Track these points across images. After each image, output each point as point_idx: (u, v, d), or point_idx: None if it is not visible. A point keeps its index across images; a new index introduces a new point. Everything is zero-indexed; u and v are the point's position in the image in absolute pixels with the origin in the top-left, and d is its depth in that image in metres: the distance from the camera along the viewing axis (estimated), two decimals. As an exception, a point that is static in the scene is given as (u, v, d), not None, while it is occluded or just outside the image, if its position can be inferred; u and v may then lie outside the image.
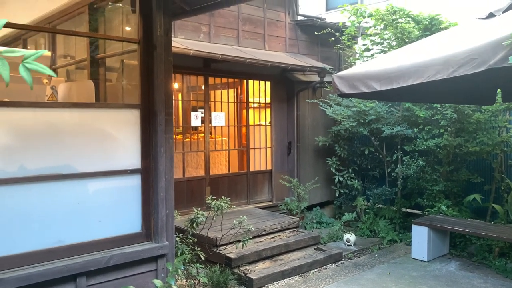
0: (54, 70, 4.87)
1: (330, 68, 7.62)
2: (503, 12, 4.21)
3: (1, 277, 2.76)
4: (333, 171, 7.86)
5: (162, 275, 3.28)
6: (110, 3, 4.13)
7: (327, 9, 11.32)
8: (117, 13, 4.25)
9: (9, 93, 3.41)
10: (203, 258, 4.80)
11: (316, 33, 7.89)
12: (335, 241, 6.81)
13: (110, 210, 3.38)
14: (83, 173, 3.24)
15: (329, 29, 7.67)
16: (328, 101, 7.65)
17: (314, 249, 6.13)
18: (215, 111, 7.31)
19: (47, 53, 4.53)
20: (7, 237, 2.93)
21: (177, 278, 4.37)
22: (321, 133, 8.17)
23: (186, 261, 4.69)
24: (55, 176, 3.12)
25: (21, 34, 5.33)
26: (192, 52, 5.94)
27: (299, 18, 8.18)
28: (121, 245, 3.35)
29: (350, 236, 6.61)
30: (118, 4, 4.11)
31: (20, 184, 2.99)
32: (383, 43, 7.34)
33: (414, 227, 6.02)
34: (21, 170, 2.97)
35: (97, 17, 4.24)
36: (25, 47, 5.43)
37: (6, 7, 4.76)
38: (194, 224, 5.01)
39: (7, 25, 3.41)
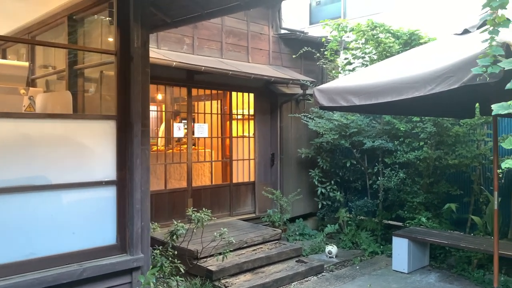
0: (33, 81, 4.84)
1: (312, 81, 7.69)
2: (477, 28, 4.32)
3: (-32, 290, 2.71)
4: (316, 183, 7.89)
5: (138, 288, 3.26)
6: (88, 15, 4.14)
7: (310, 23, 11.46)
8: (97, 25, 4.25)
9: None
10: (182, 271, 4.75)
11: (295, 56, 7.98)
12: (317, 253, 6.81)
13: (85, 222, 3.34)
14: (57, 184, 3.21)
15: (309, 47, 7.78)
16: (310, 114, 7.72)
17: (296, 261, 6.12)
18: (198, 122, 7.32)
19: (25, 63, 4.50)
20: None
21: (155, 291, 4.32)
22: (304, 145, 8.21)
23: (166, 273, 4.64)
24: (28, 188, 3.08)
25: (0, 44, 5.30)
26: (174, 63, 5.96)
27: (283, 31, 8.28)
28: (96, 258, 3.30)
29: (332, 248, 6.62)
30: (96, 16, 4.12)
31: (-8, 195, 2.95)
32: (364, 57, 7.45)
33: (395, 239, 6.05)
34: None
35: (76, 28, 4.23)
36: (4, 57, 5.40)
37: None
38: (174, 237, 4.97)
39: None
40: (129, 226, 3.45)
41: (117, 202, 3.46)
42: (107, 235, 3.43)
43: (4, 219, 2.99)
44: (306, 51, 7.86)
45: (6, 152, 3.04)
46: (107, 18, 3.76)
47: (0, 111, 3.09)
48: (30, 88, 4.35)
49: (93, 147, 3.43)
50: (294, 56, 8.11)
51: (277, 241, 6.56)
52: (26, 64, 4.45)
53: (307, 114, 7.74)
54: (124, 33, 3.41)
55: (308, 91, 7.53)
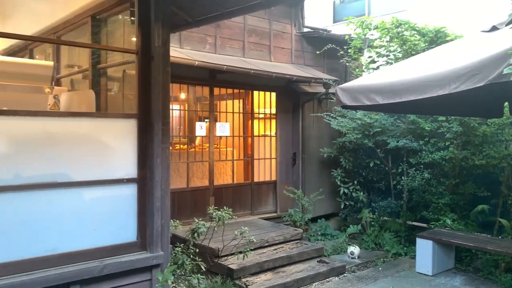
0: (58, 80, 4.94)
1: (335, 80, 7.61)
2: (506, 25, 4.17)
3: (-5, 284, 2.79)
4: (338, 183, 7.81)
5: (157, 285, 3.27)
6: (111, 15, 4.20)
7: (334, 21, 11.35)
8: (119, 24, 4.31)
9: (8, 102, 3.48)
10: (204, 269, 4.78)
11: (318, 52, 7.90)
12: (339, 253, 6.74)
13: (106, 218, 3.39)
14: (80, 181, 3.26)
15: (333, 44, 7.69)
16: (333, 113, 7.63)
17: (317, 261, 6.07)
18: (220, 121, 7.34)
19: (50, 63, 4.60)
20: (2, 245, 2.95)
21: (176, 288, 4.37)
22: (327, 144, 8.13)
23: (187, 271, 4.68)
24: (51, 184, 3.14)
25: (28, 44, 5.44)
26: (196, 63, 5.99)
27: (305, 30, 8.22)
28: (116, 254, 3.35)
29: (354, 249, 6.54)
30: (119, 16, 4.18)
31: (16, 191, 3.01)
32: (388, 55, 7.32)
33: (419, 241, 5.93)
34: (17, 178, 3.00)
35: (100, 28, 4.30)
36: (32, 56, 5.54)
37: (15, 18, 4.89)
38: (195, 234, 5.00)
39: (11, 36, 3.49)
40: (149, 223, 3.48)
41: (138, 199, 3.50)
42: (128, 233, 3.47)
43: (27, 215, 3.06)
44: (329, 49, 7.78)
45: (31, 150, 3.11)
46: (129, 18, 3.81)
47: (26, 109, 3.17)
48: (55, 87, 4.44)
49: (115, 145, 3.47)
50: (318, 52, 8.02)
51: (298, 241, 6.52)
52: (51, 63, 4.55)
53: (329, 113, 7.66)
54: (145, 33, 3.45)
55: (331, 90, 7.45)
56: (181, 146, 7.63)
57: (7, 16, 4.91)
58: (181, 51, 6.36)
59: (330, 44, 7.73)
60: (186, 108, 7.99)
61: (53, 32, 4.79)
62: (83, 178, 3.27)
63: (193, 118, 7.62)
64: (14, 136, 3.03)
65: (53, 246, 3.13)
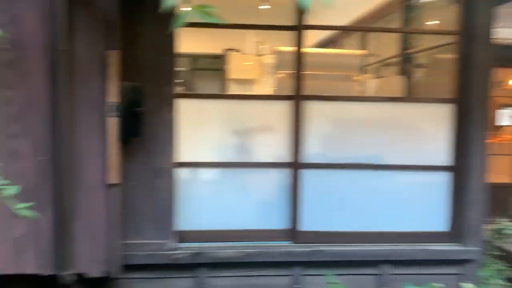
0: (363, 68, 5.20)
1: None
2: None
3: (321, 248, 3.17)
4: None
5: (469, 282, 3.06)
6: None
7: None
8: (430, 7, 4.17)
9: (325, 89, 3.86)
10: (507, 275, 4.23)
11: None
12: None
13: (416, 204, 3.38)
14: (392, 165, 3.34)
15: None
16: None
17: None
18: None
19: (361, 51, 4.87)
20: (325, 214, 3.34)
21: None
22: None
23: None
24: (366, 166, 3.33)
25: (334, 37, 5.93)
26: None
27: None
28: (424, 241, 3.31)
29: None
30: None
31: (335, 169, 3.33)
32: None
33: None
34: (336, 156, 3.32)
35: (410, 14, 4.26)
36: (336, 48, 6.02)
37: (324, 14, 5.42)
38: (499, 235, 4.47)
39: (324, 28, 3.79)
40: (463, 215, 3.29)
41: (451, 189, 3.36)
42: (437, 221, 3.37)
43: (344, 192, 3.35)
44: None
45: (345, 132, 3.36)
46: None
47: (338, 95, 3.43)
48: (362, 75, 4.68)
49: (426, 130, 3.41)
50: None
51: None
52: (363, 52, 4.80)
53: None
54: (469, 10, 3.20)
55: None
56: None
57: (319, 12, 5.46)
58: (498, 30, 5.68)
59: None
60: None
61: (359, 23, 5.06)
62: (394, 161, 3.34)
63: (492, 105, 6.75)
64: (333, 119, 3.34)
65: (366, 224, 3.34)
